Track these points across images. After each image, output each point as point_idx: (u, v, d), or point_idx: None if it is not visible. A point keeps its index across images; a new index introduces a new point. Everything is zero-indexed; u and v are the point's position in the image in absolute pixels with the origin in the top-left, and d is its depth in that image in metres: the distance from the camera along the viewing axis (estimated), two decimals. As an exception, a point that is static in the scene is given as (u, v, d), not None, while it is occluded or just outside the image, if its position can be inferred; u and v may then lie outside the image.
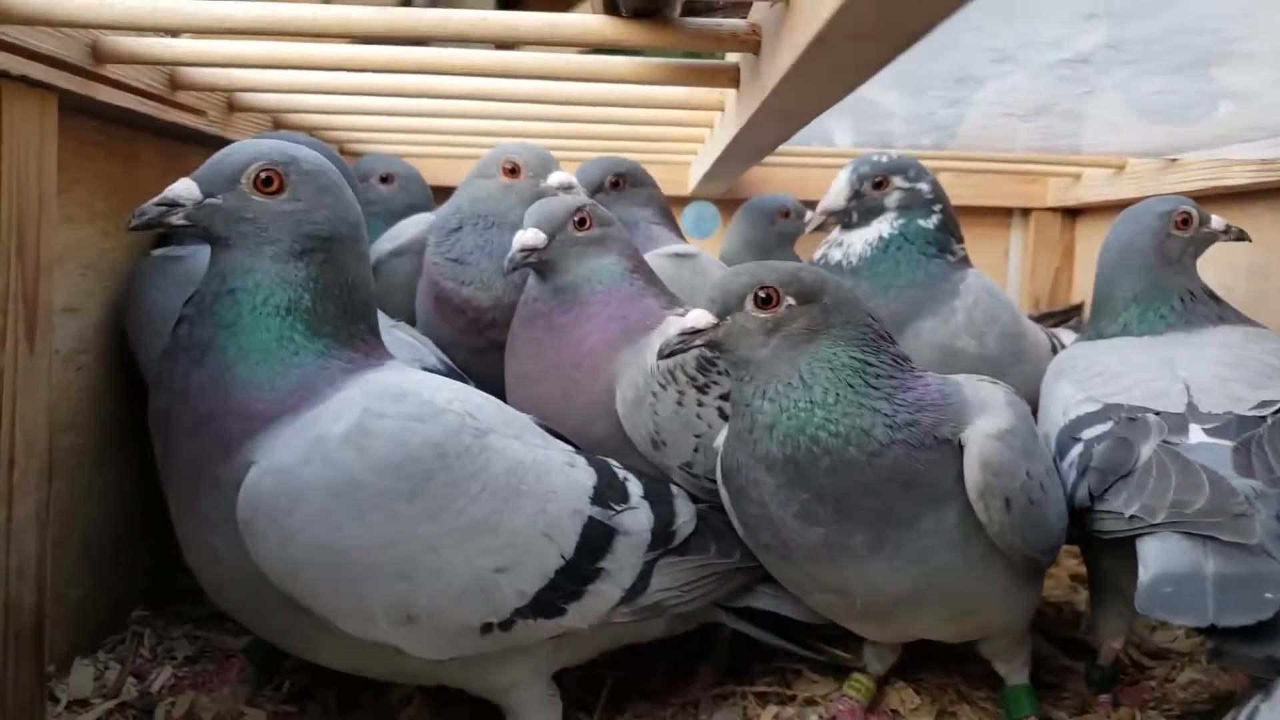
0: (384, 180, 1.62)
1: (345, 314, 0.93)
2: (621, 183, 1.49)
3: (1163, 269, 1.23)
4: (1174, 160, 1.49)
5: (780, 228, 1.73)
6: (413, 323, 1.35)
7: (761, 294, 0.94)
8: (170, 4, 0.94)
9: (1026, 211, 2.00)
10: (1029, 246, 2.00)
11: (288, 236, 0.90)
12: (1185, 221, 1.24)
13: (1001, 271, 2.04)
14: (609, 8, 0.87)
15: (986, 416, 0.94)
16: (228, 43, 1.12)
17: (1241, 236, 1.28)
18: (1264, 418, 1.01)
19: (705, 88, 1.13)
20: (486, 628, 0.90)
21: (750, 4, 0.90)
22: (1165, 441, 0.99)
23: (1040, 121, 1.12)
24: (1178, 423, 1.02)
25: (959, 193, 1.84)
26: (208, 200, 0.89)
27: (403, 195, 1.61)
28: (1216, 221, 1.26)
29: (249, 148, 0.92)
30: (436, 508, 0.87)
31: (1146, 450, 0.99)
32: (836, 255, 1.41)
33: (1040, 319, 1.70)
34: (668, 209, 1.56)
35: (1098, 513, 0.98)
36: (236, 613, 0.94)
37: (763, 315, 0.94)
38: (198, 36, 1.12)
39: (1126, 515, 0.93)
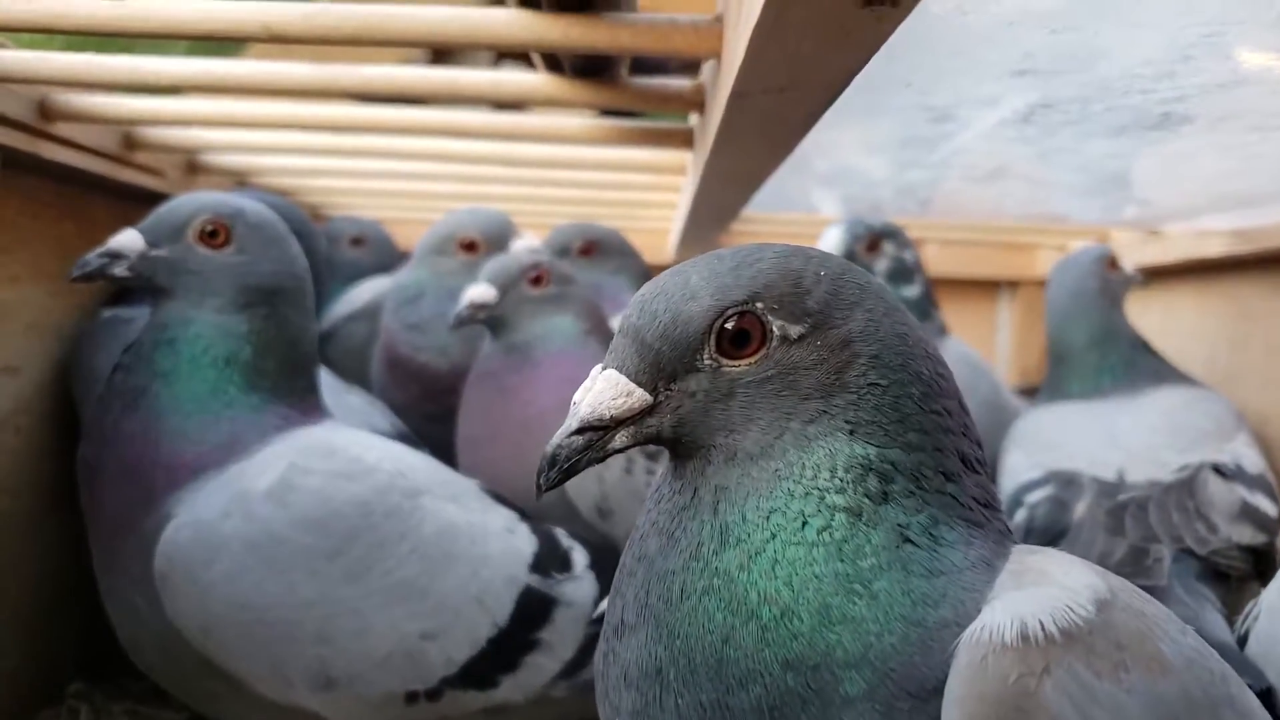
0: (355, 242, 1.61)
1: (285, 368, 0.92)
2: (592, 249, 1.47)
3: (1109, 311, 1.28)
4: (1154, 233, 1.47)
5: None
6: (368, 387, 1.33)
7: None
8: (120, 61, 0.93)
9: (1014, 284, 1.97)
10: (1018, 319, 1.96)
11: (231, 289, 0.90)
12: (1114, 264, 1.30)
13: (991, 344, 2.00)
14: (552, 66, 0.86)
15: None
16: (184, 101, 1.11)
17: (1144, 283, 1.34)
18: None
19: (666, 150, 1.11)
20: (412, 697, 0.86)
21: (700, 65, 0.89)
22: (1096, 503, 1.03)
23: (1001, 185, 1.10)
24: (1108, 490, 1.05)
25: (946, 264, 1.83)
26: (152, 252, 0.90)
27: (373, 257, 1.60)
28: (1128, 266, 1.32)
29: (194, 200, 0.93)
30: (361, 568, 0.84)
31: (1080, 510, 1.03)
32: None
33: (1027, 392, 1.67)
34: (645, 279, 1.54)
35: None
36: (156, 674, 0.91)
37: None
38: (154, 94, 1.12)
39: None
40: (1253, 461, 1.11)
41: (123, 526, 0.85)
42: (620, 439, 0.52)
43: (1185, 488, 1.02)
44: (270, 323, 0.91)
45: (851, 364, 0.51)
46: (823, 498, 0.50)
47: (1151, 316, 1.53)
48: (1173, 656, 0.48)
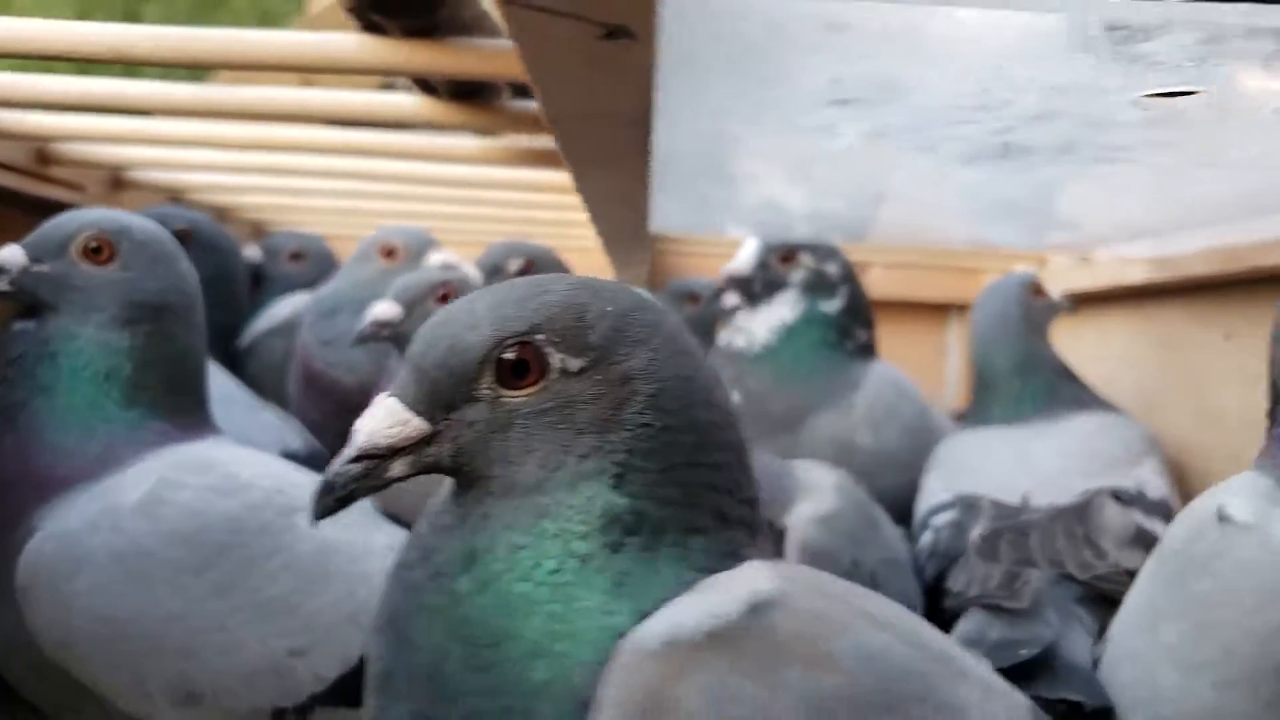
0: (294, 257, 1.61)
1: (169, 385, 0.92)
2: (529, 268, 1.48)
3: (1032, 337, 1.29)
4: (1085, 258, 1.47)
5: (686, 312, 1.71)
6: (286, 404, 1.33)
7: None
8: (33, 80, 0.94)
9: (963, 307, 1.97)
10: (965, 342, 1.96)
11: (115, 305, 0.90)
12: (1039, 290, 1.31)
13: (941, 367, 2.00)
14: (425, 89, 0.86)
15: (810, 500, 0.91)
16: (103, 118, 1.12)
17: (1070, 309, 1.34)
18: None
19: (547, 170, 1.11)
20: (279, 713, 0.85)
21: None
22: (989, 526, 1.03)
23: (889, 211, 1.10)
24: (1008, 514, 1.05)
25: (892, 287, 1.83)
26: (35, 267, 0.90)
27: (313, 272, 1.61)
28: (1053, 292, 1.33)
29: (81, 216, 0.93)
30: (229, 583, 0.84)
31: (975, 533, 1.03)
32: (740, 341, 1.38)
33: (961, 418, 1.67)
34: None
35: (943, 593, 1.01)
36: (22, 689, 0.91)
37: None
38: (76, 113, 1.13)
39: (955, 591, 0.97)
40: (1156, 487, 1.11)
41: None
42: (398, 467, 0.52)
43: (1076, 514, 1.02)
44: (154, 339, 0.91)
45: (629, 401, 0.52)
46: (568, 542, 0.51)
47: (1085, 343, 1.53)
48: (844, 655, 0.49)
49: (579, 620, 0.49)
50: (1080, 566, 0.94)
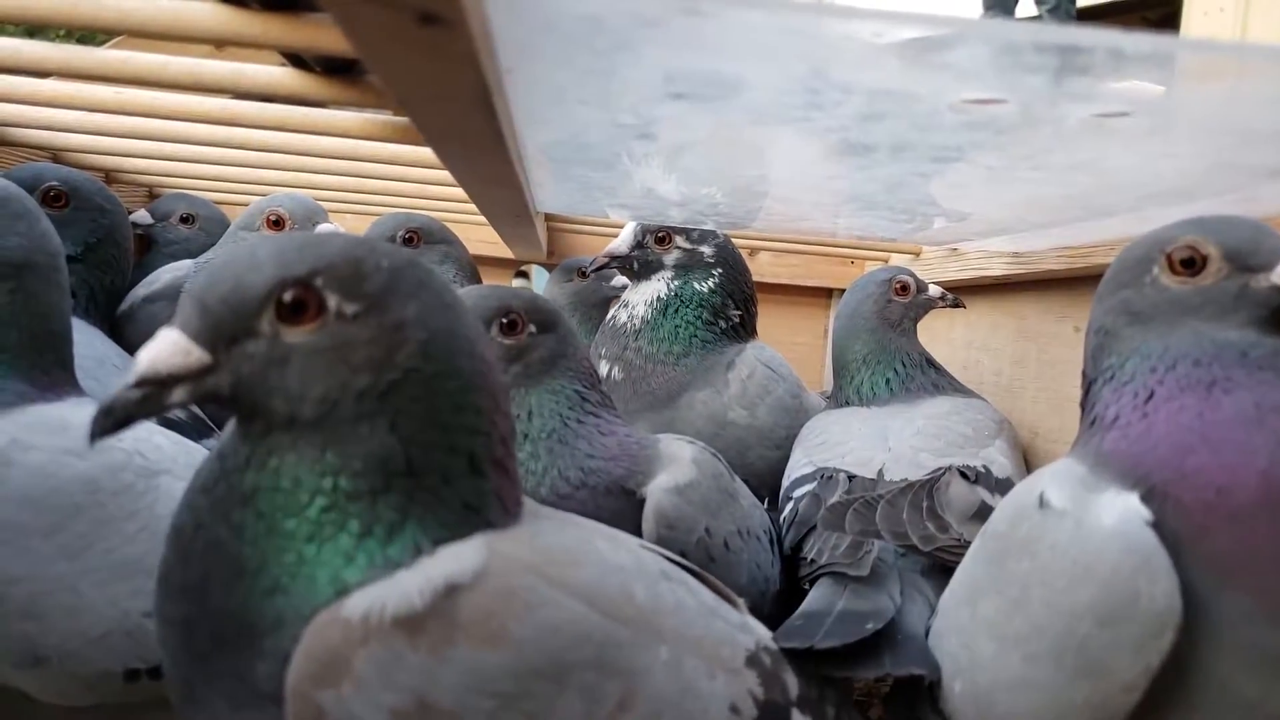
0: (184, 220, 1.60)
1: (30, 344, 0.91)
2: (415, 239, 1.49)
3: (886, 333, 1.35)
4: (954, 250, 1.53)
5: (574, 286, 1.74)
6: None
7: (505, 320, 0.92)
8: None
9: (844, 291, 2.03)
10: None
11: None
12: (904, 289, 1.36)
13: (822, 350, 2.06)
14: (295, 62, 0.87)
15: (669, 472, 0.94)
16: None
17: (957, 304, 1.39)
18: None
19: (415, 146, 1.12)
20: (132, 674, 0.86)
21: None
22: (843, 497, 1.08)
23: (762, 203, 1.13)
24: (865, 486, 1.11)
25: (779, 271, 1.88)
26: None
27: (203, 236, 1.59)
28: (934, 290, 1.37)
29: None
30: (81, 545, 0.84)
31: (830, 504, 1.06)
32: (623, 316, 1.41)
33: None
34: (472, 267, 1.56)
35: (799, 561, 1.06)
36: None
37: (507, 342, 0.92)
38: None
39: (808, 559, 1.02)
40: (1001, 466, 1.17)
41: None
42: (178, 394, 0.56)
43: (925, 488, 1.07)
44: (17, 297, 0.90)
45: (402, 346, 0.58)
46: (336, 481, 0.57)
47: (955, 330, 1.60)
48: (518, 630, 0.56)
49: (319, 566, 0.56)
50: (923, 539, 0.99)
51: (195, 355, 0.56)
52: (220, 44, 0.72)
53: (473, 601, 0.56)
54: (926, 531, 1.01)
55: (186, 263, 1.43)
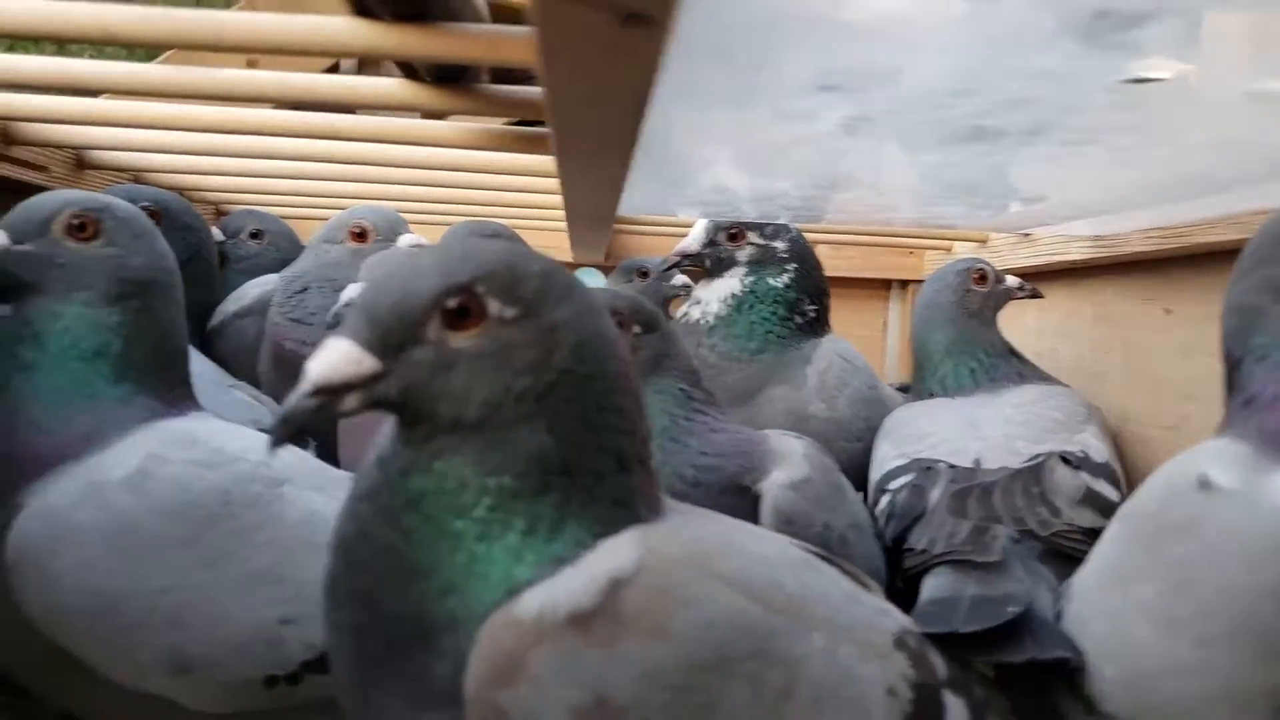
0: (254, 236, 1.61)
1: (154, 362, 0.93)
2: (488, 247, 1.50)
3: (967, 323, 1.34)
4: (1027, 235, 1.53)
5: (636, 287, 1.75)
6: (256, 384, 1.34)
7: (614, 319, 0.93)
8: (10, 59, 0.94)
9: (905, 283, 2.04)
10: (907, 317, 2.03)
11: (102, 282, 0.91)
12: (982, 277, 1.36)
13: (882, 341, 2.06)
14: (409, 72, 0.88)
15: (783, 468, 0.95)
16: (66, 98, 1.12)
17: (1035, 294, 1.39)
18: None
19: (533, 155, 1.13)
20: (271, 681, 0.87)
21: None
22: (950, 486, 1.08)
23: (852, 193, 1.14)
24: (967, 476, 1.11)
25: (838, 264, 1.88)
26: (16, 247, 0.90)
27: (272, 251, 1.61)
28: (1010, 280, 1.37)
29: (60, 195, 0.94)
30: (218, 555, 0.85)
31: (935, 494, 1.08)
32: (695, 313, 1.42)
33: (907, 389, 1.73)
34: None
35: (902, 553, 1.06)
36: (8, 670, 0.92)
37: None
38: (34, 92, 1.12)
39: (918, 550, 1.01)
40: (1099, 451, 1.17)
41: None
42: (350, 402, 0.57)
43: (1032, 474, 1.08)
44: (141, 316, 0.92)
45: (557, 348, 0.59)
46: (501, 481, 0.58)
47: (1028, 318, 1.60)
48: (680, 624, 0.57)
49: (490, 564, 0.57)
50: (1040, 524, 0.99)
51: (366, 363, 0.57)
52: (356, 57, 0.73)
53: (634, 596, 0.57)
54: (1041, 517, 1.02)
55: (273, 277, 1.45)
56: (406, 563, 0.59)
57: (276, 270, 1.54)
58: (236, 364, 1.33)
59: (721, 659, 0.58)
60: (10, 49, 0.98)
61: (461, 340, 0.58)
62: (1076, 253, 1.38)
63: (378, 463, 0.63)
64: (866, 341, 1.94)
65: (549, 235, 1.66)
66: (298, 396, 0.57)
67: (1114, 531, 0.83)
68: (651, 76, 0.55)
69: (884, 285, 2.06)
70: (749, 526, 0.74)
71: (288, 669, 0.88)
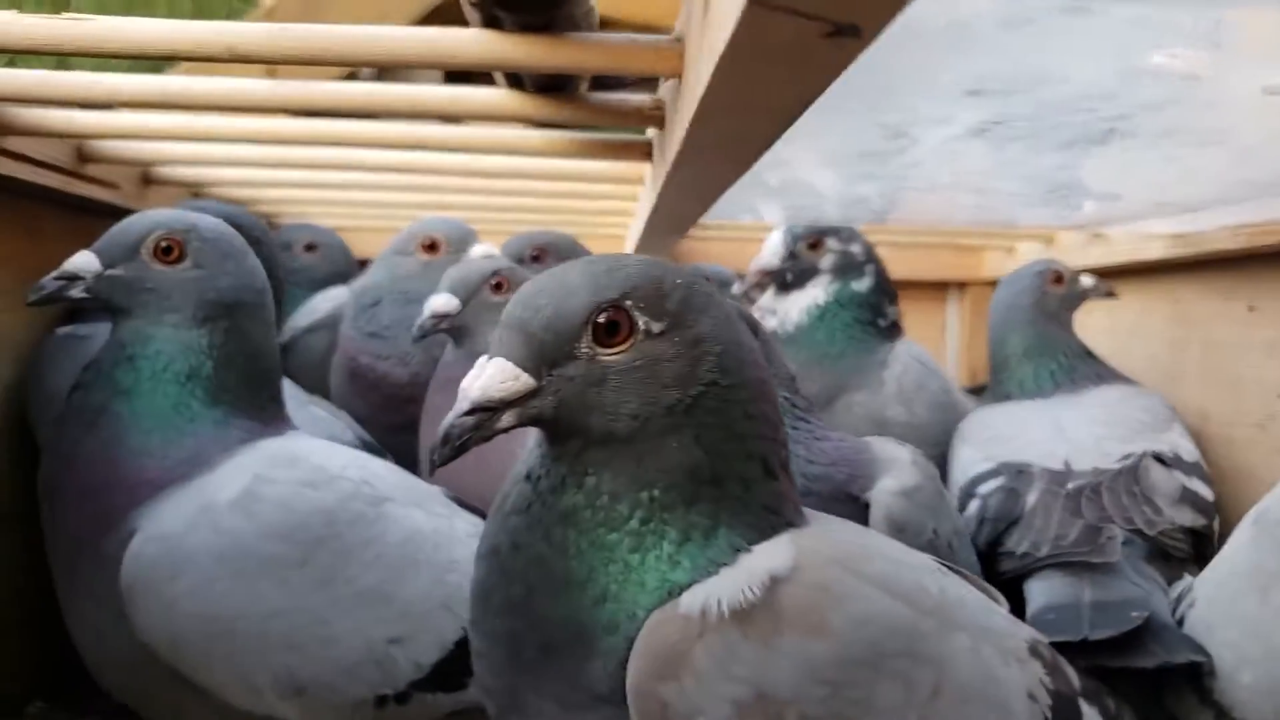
0: (308, 248, 1.60)
1: (247, 382, 0.92)
2: (543, 256, 1.48)
3: (1045, 324, 1.34)
4: (1098, 235, 1.52)
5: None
6: (328, 399, 1.33)
7: None
8: (76, 77, 0.93)
9: (963, 285, 2.02)
10: (966, 320, 2.01)
11: (190, 304, 0.90)
12: (1058, 279, 1.36)
13: (940, 345, 2.04)
14: (514, 83, 0.87)
15: (892, 475, 0.94)
16: (139, 115, 1.11)
17: (1110, 294, 1.38)
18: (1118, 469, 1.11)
19: (625, 161, 1.12)
20: (381, 701, 0.86)
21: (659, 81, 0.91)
22: (1047, 490, 1.08)
23: (952, 197, 1.13)
24: (1058, 478, 1.11)
25: (896, 267, 1.86)
26: (108, 272, 0.90)
27: (326, 264, 1.60)
28: (1086, 279, 1.36)
29: (148, 217, 0.93)
30: (327, 576, 0.85)
31: (1032, 497, 1.08)
32: (772, 323, 1.41)
33: (975, 391, 1.71)
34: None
35: (997, 556, 1.06)
36: (121, 692, 0.91)
37: None
38: (110, 109, 1.11)
39: (1018, 554, 1.01)
40: (1188, 451, 1.16)
41: (84, 546, 0.85)
42: (506, 419, 0.58)
43: (1131, 474, 1.07)
44: (231, 336, 0.91)
45: (702, 360, 0.60)
46: (652, 493, 0.59)
47: (1096, 317, 1.58)
48: (837, 621, 0.58)
49: (646, 572, 0.58)
50: (1147, 523, 0.98)
51: (523, 380, 0.58)
52: (494, 69, 0.72)
53: (792, 594, 0.58)
54: (1147, 516, 1.01)
55: (341, 290, 1.44)
56: (561, 574, 0.59)
57: (329, 283, 1.53)
58: (306, 379, 1.31)
59: (876, 655, 0.59)
60: (96, 67, 0.96)
61: (611, 355, 0.59)
62: (1155, 251, 1.37)
63: (525, 478, 0.63)
64: (925, 345, 1.92)
65: (605, 243, 1.64)
66: (455, 415, 0.58)
67: (1248, 535, 0.82)
68: (827, 87, 0.54)
69: (941, 288, 2.04)
70: (876, 533, 0.73)
71: (397, 688, 0.87)
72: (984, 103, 0.66)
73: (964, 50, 0.58)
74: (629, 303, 0.59)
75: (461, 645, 0.90)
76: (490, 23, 0.71)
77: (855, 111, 0.72)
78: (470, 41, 0.71)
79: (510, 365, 0.58)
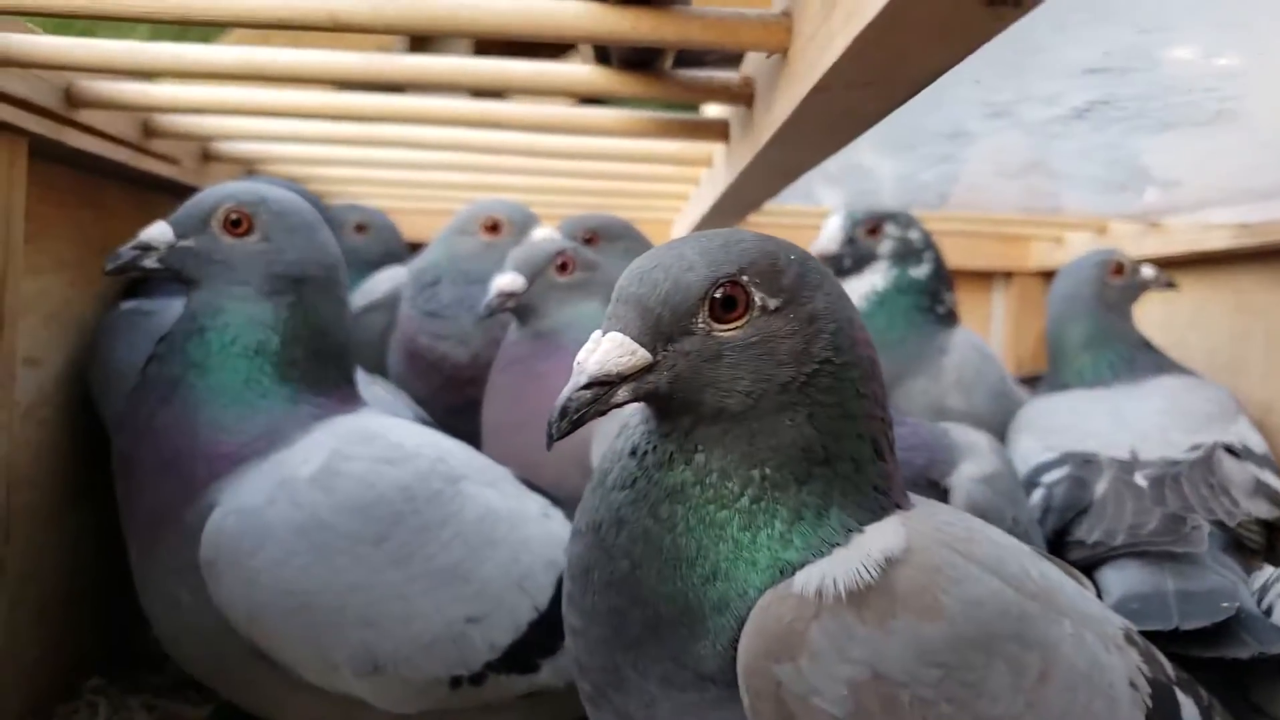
0: (358, 229, 1.59)
1: (317, 357, 0.92)
2: (595, 239, 1.46)
3: (1105, 315, 1.34)
4: (1155, 224, 1.50)
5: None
6: (384, 377, 1.32)
7: None
8: (147, 47, 0.92)
9: (1009, 275, 2.00)
10: (1011, 310, 2.00)
11: (256, 277, 0.90)
12: (1119, 269, 1.35)
13: (985, 334, 2.02)
14: (600, 58, 0.86)
15: (973, 461, 0.94)
16: (205, 88, 1.10)
17: (1170, 285, 1.37)
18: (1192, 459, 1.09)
19: (693, 141, 1.11)
20: (456, 681, 0.86)
21: (741, 57, 0.89)
22: (1117, 478, 1.07)
23: (1026, 180, 1.12)
24: (1126, 467, 1.10)
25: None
26: (180, 243, 0.91)
27: (377, 244, 1.59)
28: (1146, 270, 1.35)
29: (220, 190, 0.93)
30: (405, 553, 0.84)
31: (1101, 486, 1.07)
32: None
33: (1023, 381, 1.71)
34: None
35: (1065, 544, 1.04)
36: (194, 666, 0.91)
37: None
38: (175, 81, 1.11)
39: (1089, 543, 1.00)
40: (1257, 443, 1.15)
41: (163, 518, 0.85)
42: (622, 394, 0.58)
43: (1205, 465, 1.06)
44: (297, 311, 0.91)
45: (817, 337, 0.59)
46: (764, 471, 0.58)
47: (1151, 309, 1.57)
48: (950, 603, 0.57)
49: (758, 550, 0.58)
50: (1227, 514, 0.98)
51: (640, 355, 0.58)
52: (590, 42, 0.71)
53: (906, 575, 0.57)
54: (1226, 507, 1.00)
55: (399, 270, 1.43)
56: (668, 550, 0.59)
57: (380, 265, 1.52)
58: (364, 359, 1.31)
59: (989, 637, 0.58)
60: (152, 37, 0.96)
61: (727, 331, 0.58)
62: (1219, 241, 1.35)
63: (629, 452, 0.62)
64: (971, 335, 1.92)
65: (654, 227, 1.63)
66: (572, 389, 0.57)
67: None
68: (964, 57, 0.53)
69: (986, 277, 2.02)
70: (976, 518, 0.72)
71: (472, 669, 0.87)
72: (1098, 81, 0.65)
73: (1093, 24, 0.56)
74: (745, 278, 0.58)
75: (535, 626, 0.89)
76: (591, -7, 0.70)
77: (963, 88, 0.70)
78: (578, 13, 0.70)
79: (627, 339, 0.58)
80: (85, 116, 1.02)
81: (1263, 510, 1.04)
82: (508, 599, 0.89)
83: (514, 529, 0.91)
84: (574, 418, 0.57)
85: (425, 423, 1.20)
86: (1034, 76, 0.66)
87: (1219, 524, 0.98)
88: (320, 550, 0.82)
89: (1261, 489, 1.07)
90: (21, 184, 0.95)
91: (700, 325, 0.58)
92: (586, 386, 0.57)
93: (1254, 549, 1.04)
